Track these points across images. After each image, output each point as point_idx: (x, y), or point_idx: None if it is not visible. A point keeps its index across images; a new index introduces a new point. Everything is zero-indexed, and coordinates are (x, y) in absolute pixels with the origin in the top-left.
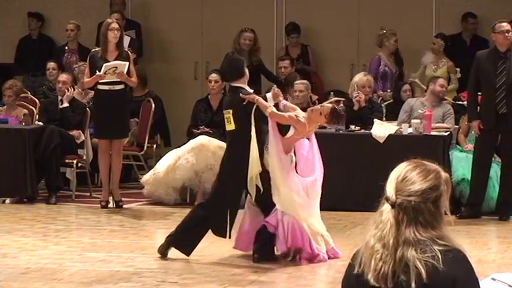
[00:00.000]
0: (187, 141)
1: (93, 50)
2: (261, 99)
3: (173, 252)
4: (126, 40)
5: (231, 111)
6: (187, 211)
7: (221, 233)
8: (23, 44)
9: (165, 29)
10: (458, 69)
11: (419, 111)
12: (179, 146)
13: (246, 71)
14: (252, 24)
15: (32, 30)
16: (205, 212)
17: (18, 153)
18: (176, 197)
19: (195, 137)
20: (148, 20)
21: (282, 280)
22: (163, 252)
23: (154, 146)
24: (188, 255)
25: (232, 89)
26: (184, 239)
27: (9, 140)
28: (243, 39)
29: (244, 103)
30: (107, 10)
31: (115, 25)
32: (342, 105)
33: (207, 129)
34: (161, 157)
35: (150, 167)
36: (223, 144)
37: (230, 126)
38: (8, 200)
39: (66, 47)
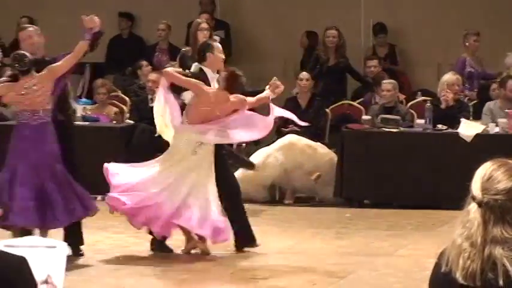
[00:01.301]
0: (277, 140)
1: (183, 49)
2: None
3: (263, 249)
4: (216, 40)
5: None
6: (276, 208)
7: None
8: (114, 44)
9: (253, 28)
10: None
11: (500, 113)
12: (268, 145)
13: (209, 55)
14: (340, 24)
15: (122, 30)
16: None
17: (109, 151)
18: (265, 195)
19: (284, 135)
20: (237, 20)
21: None
22: None
23: (244, 144)
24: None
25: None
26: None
27: (101, 138)
28: (327, 37)
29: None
30: (197, 10)
31: (205, 25)
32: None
33: (295, 128)
34: (251, 155)
35: None
36: (312, 143)
37: None
38: (99, 197)
39: (157, 47)
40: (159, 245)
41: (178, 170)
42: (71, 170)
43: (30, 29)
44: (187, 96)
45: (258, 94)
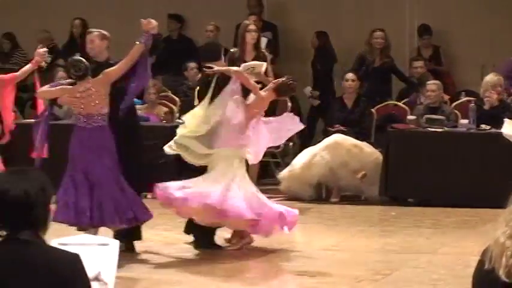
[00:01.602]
0: (323, 139)
1: (232, 50)
2: (222, 68)
3: (310, 246)
4: (263, 41)
5: (197, 88)
6: (322, 207)
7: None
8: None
9: (300, 30)
10: None
11: None
12: (315, 144)
13: (223, 56)
14: (385, 25)
15: (171, 31)
16: None
17: (160, 150)
18: (312, 193)
19: (330, 135)
20: (284, 22)
21: None
22: None
23: (291, 143)
24: None
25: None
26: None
27: (151, 138)
28: (374, 39)
29: (209, 78)
30: (245, 12)
31: (253, 27)
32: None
33: (341, 128)
34: (297, 154)
35: (287, 164)
36: (358, 142)
37: (196, 102)
38: (149, 195)
39: None
40: (206, 242)
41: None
42: (136, 172)
43: (95, 33)
44: None
45: None
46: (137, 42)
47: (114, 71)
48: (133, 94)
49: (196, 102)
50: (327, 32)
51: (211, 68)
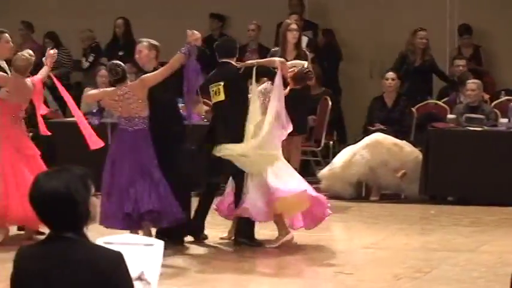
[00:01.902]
0: (363, 138)
1: (273, 49)
2: (263, 60)
3: (349, 244)
4: (304, 40)
5: (222, 83)
6: (362, 205)
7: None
8: (206, 44)
9: (340, 29)
10: None
11: None
12: (355, 143)
13: (237, 52)
14: (425, 25)
15: (213, 31)
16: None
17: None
18: (352, 192)
19: (371, 133)
20: (324, 21)
21: None
22: None
23: (331, 142)
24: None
25: (221, 64)
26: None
27: (192, 135)
28: (419, 38)
29: (241, 71)
30: (286, 11)
31: (294, 26)
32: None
33: (382, 127)
34: (338, 153)
35: (327, 163)
36: (398, 141)
37: (218, 97)
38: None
39: (247, 47)
40: (247, 240)
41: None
42: (177, 175)
43: (144, 43)
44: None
45: None
46: (179, 52)
47: (151, 77)
48: (189, 102)
49: (221, 96)
50: (367, 31)
51: (244, 62)
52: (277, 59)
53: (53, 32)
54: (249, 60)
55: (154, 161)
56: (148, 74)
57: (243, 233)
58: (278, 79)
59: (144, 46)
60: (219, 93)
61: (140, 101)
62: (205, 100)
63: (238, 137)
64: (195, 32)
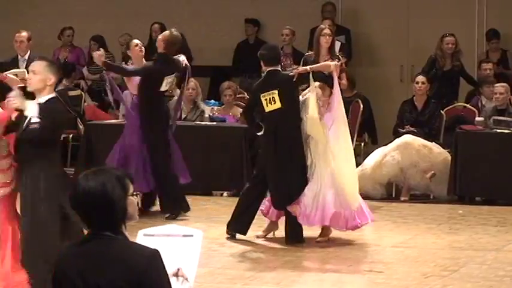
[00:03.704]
0: (393, 140)
1: (307, 54)
2: (317, 65)
3: (379, 243)
4: (337, 45)
5: (276, 91)
6: (392, 205)
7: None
8: (241, 48)
9: (372, 34)
10: None
11: None
12: (386, 144)
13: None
14: (454, 30)
15: (248, 35)
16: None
17: (235, 150)
18: (382, 192)
19: (401, 135)
20: (357, 26)
21: None
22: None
23: (362, 144)
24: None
25: (271, 73)
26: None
27: (227, 138)
28: (445, 44)
29: (295, 79)
30: (319, 16)
31: (327, 31)
32: None
33: (412, 129)
34: (369, 154)
35: (358, 164)
36: (428, 143)
37: (274, 105)
38: (225, 193)
39: (282, 51)
40: (294, 237)
41: None
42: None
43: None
44: None
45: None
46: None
47: None
48: None
49: (277, 105)
50: (398, 36)
51: (297, 69)
52: (332, 63)
53: (99, 35)
54: (283, 64)
55: None
56: None
57: (295, 236)
58: (336, 84)
59: None
60: (274, 101)
61: None
62: (239, 102)
63: (296, 146)
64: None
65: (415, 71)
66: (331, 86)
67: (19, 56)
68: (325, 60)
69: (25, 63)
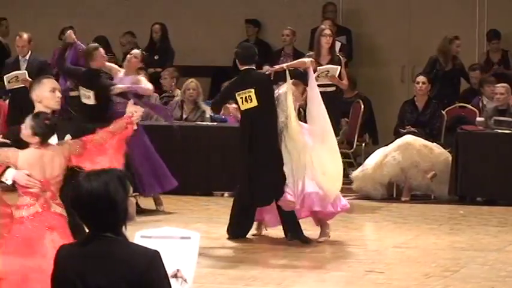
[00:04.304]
0: (394, 140)
1: (308, 54)
2: (289, 64)
3: (380, 244)
4: (338, 45)
5: (253, 90)
6: (393, 205)
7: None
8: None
9: (373, 34)
10: None
11: None
12: (386, 145)
13: (256, 58)
14: (455, 30)
15: (249, 36)
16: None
17: (236, 150)
18: (383, 192)
19: (402, 136)
20: (358, 26)
21: None
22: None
23: (363, 144)
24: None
25: (246, 71)
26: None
27: (228, 138)
28: (455, 46)
29: (272, 77)
30: (319, 17)
31: (328, 31)
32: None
33: (412, 129)
34: (370, 155)
35: (359, 164)
36: (428, 143)
37: (251, 104)
38: (226, 194)
39: (282, 51)
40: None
41: None
42: None
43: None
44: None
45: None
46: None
47: None
48: None
49: (254, 103)
50: (399, 36)
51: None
52: (307, 59)
53: (102, 36)
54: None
55: None
56: None
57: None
58: (312, 80)
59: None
60: (250, 99)
61: None
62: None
63: (273, 143)
64: None
65: (416, 71)
66: (306, 83)
67: (20, 57)
68: (328, 61)
69: (26, 63)
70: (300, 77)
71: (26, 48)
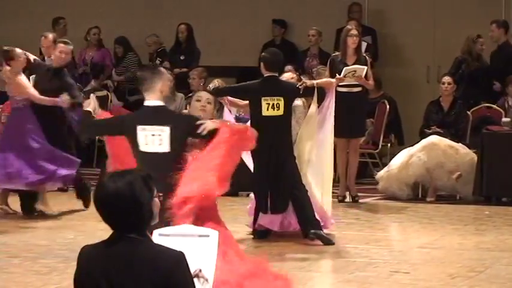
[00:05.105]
0: (420, 141)
1: (334, 54)
2: (318, 81)
3: (405, 244)
4: (364, 45)
5: (282, 98)
6: (418, 206)
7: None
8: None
9: (399, 34)
10: None
11: None
12: (412, 145)
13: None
14: (480, 31)
15: (275, 36)
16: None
17: None
18: (409, 193)
19: (427, 136)
20: (383, 27)
21: None
22: None
23: (389, 144)
24: None
25: (270, 78)
26: None
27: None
28: (479, 45)
29: (301, 92)
30: (345, 17)
31: (354, 31)
32: None
33: (438, 129)
34: (395, 155)
35: (385, 164)
36: (454, 144)
37: (277, 112)
38: (251, 194)
39: (308, 52)
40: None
41: None
42: None
43: None
44: None
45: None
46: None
47: None
48: None
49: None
50: (424, 36)
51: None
52: (334, 80)
53: (123, 37)
54: (309, 65)
55: None
56: None
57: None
58: (330, 101)
59: None
60: (278, 107)
61: None
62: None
63: (291, 152)
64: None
65: (441, 71)
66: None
67: (45, 57)
68: (354, 62)
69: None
70: (309, 93)
71: (52, 49)
